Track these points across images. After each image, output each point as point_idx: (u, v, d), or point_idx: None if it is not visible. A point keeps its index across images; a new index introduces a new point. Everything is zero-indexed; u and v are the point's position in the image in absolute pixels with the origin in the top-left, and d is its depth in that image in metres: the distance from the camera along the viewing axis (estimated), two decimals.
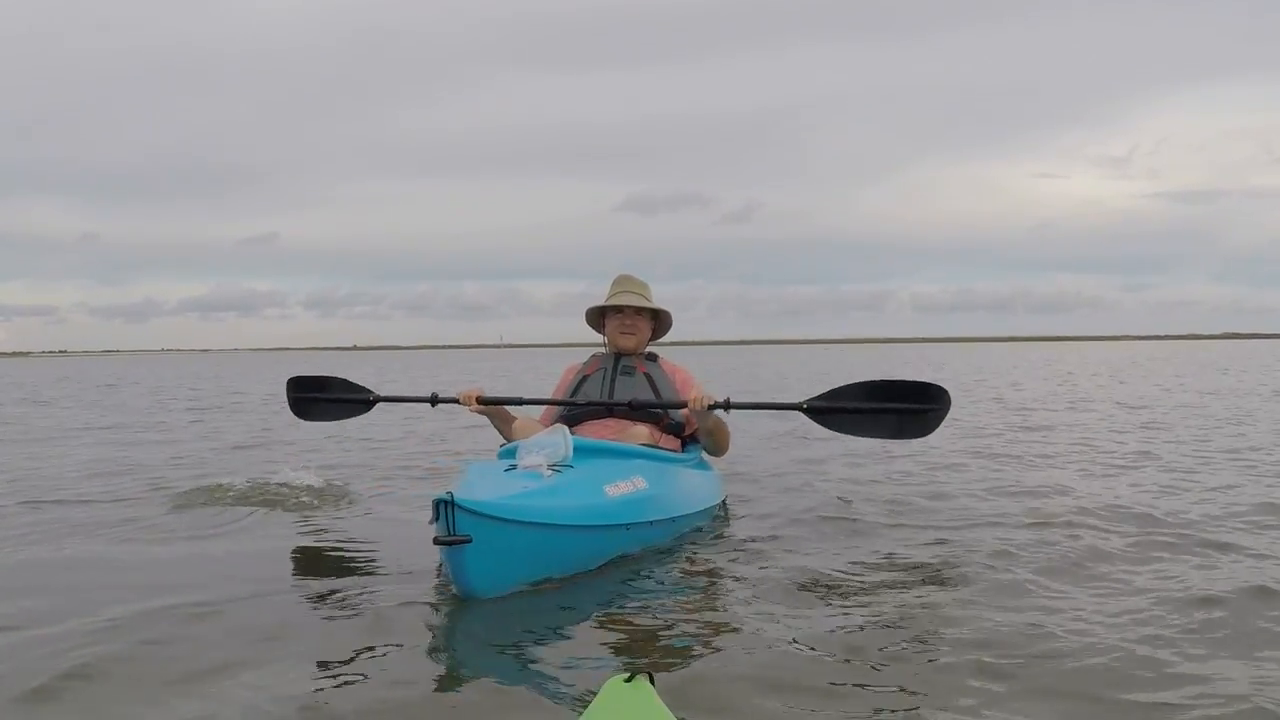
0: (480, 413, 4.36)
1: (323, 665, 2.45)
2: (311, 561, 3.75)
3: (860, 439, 4.34)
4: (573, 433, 4.01)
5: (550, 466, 3.38)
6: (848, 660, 2.50)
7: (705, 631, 2.74)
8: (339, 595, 3.11)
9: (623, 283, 4.43)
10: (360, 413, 5.01)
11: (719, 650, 2.58)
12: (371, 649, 2.57)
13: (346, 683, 2.35)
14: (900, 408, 4.06)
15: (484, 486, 3.19)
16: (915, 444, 6.02)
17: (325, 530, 4.25)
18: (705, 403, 4.01)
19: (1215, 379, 18.50)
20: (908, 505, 4.67)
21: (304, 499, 4.86)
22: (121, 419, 11.74)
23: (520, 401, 4.42)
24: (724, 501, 4.64)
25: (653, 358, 4.44)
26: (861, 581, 3.27)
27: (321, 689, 2.30)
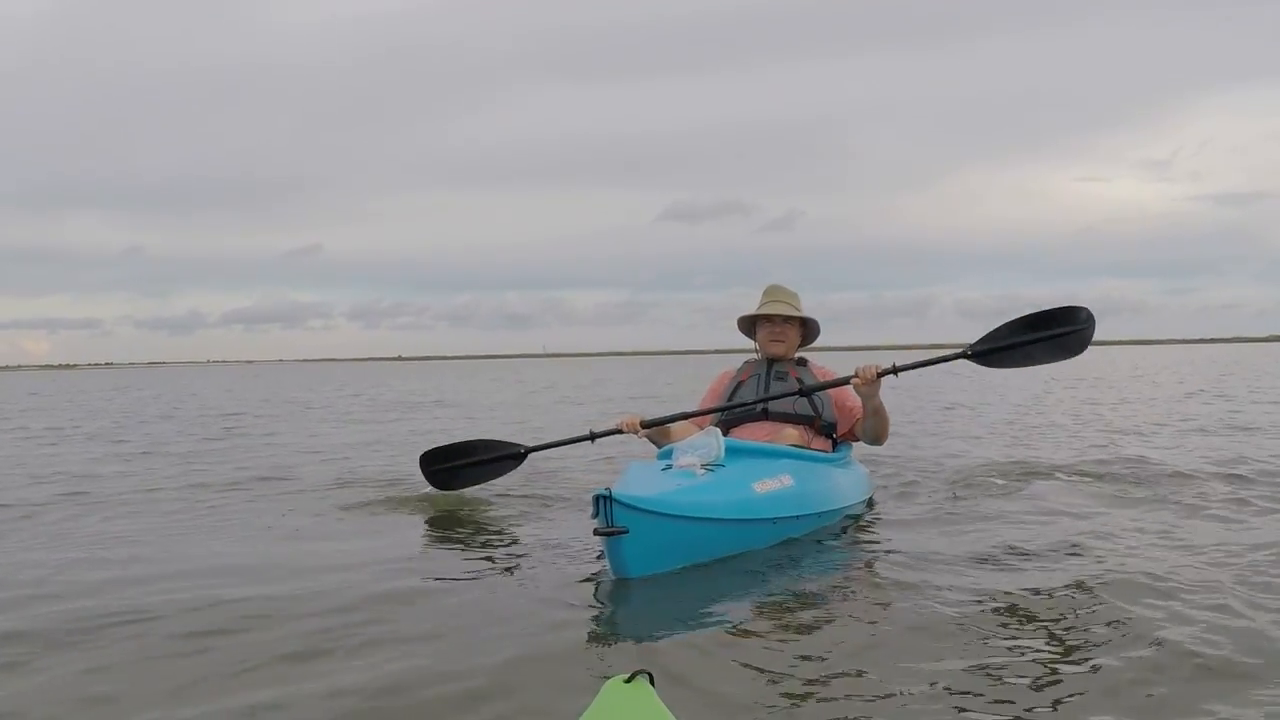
0: (646, 437, 4.46)
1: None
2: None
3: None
4: (729, 435, 4.12)
5: (703, 466, 3.57)
6: (855, 668, 2.40)
7: (707, 631, 2.72)
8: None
9: (772, 293, 4.56)
10: (511, 469, 4.96)
11: (719, 650, 2.54)
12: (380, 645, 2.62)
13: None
14: (1053, 334, 4.15)
15: (640, 483, 3.45)
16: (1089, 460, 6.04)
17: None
18: (874, 371, 4.10)
19: None
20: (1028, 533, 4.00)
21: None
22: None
23: (683, 416, 4.47)
24: (870, 499, 4.69)
25: (803, 362, 4.58)
26: (909, 595, 3.04)
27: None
